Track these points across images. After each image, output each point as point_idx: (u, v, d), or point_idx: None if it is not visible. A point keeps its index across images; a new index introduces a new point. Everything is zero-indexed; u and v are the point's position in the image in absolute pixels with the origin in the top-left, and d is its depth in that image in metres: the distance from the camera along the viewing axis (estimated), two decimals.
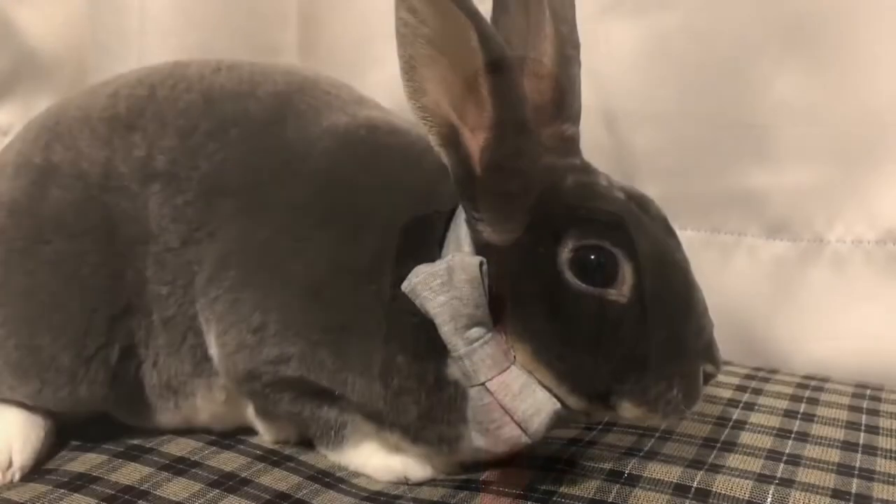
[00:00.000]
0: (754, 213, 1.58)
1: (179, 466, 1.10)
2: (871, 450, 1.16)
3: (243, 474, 1.08)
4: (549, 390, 0.95)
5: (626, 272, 0.93)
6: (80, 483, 1.06)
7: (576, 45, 1.02)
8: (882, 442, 1.18)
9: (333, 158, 1.07)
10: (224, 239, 1.06)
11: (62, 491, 1.04)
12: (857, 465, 1.11)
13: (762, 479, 1.06)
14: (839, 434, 1.20)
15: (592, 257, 0.93)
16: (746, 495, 1.02)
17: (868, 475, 1.09)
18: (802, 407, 1.29)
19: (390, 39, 0.91)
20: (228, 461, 1.12)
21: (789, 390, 1.36)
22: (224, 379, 1.09)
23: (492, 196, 0.95)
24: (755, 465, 1.10)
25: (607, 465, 1.08)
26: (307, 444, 1.15)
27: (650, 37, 1.58)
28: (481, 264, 0.92)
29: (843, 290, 1.53)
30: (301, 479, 1.09)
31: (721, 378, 1.15)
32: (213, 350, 1.07)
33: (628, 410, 0.95)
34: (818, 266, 1.55)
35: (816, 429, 1.22)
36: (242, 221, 1.06)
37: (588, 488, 1.03)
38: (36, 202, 1.09)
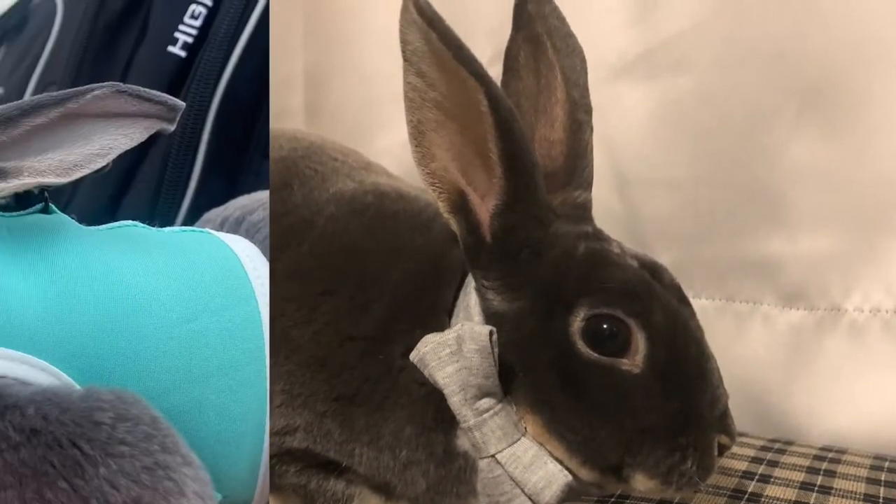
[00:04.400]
0: (770, 282, 1.58)
1: None
2: None
3: None
4: (561, 462, 0.92)
5: (639, 342, 0.91)
6: None
7: (588, 110, 1.01)
8: None
9: (340, 225, 1.06)
10: None
11: None
12: None
13: None
14: None
15: (605, 326, 0.91)
16: None
17: None
18: (819, 479, 1.27)
19: (398, 104, 0.90)
20: None
21: (806, 462, 1.34)
22: None
23: (502, 264, 0.94)
24: None
25: None
26: None
27: (663, 101, 1.58)
28: (491, 334, 0.90)
29: (860, 360, 1.52)
30: None
31: (736, 450, 1.13)
32: None
33: (641, 483, 0.92)
34: (835, 335, 1.54)
35: (834, 502, 1.20)
36: None
37: None
38: None
